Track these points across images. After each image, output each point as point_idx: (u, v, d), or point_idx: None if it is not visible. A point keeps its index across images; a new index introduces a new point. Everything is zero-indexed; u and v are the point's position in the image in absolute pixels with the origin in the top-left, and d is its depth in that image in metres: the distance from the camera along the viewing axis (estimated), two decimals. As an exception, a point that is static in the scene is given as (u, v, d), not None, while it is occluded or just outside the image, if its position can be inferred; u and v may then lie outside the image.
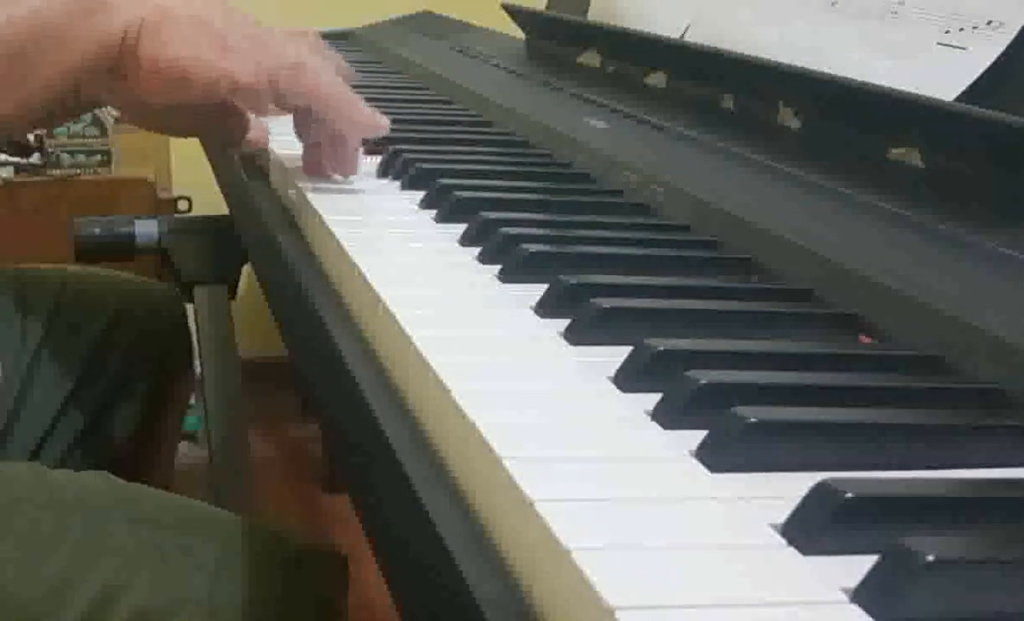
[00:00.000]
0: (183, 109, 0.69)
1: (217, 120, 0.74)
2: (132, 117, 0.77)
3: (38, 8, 0.63)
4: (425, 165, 0.74)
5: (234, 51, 0.65)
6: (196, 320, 1.15)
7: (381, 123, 0.71)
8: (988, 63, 0.62)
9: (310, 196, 0.67)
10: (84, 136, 1.92)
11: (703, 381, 0.40)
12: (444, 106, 1.04)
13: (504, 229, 0.59)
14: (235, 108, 0.73)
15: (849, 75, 0.70)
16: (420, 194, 0.70)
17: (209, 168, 1.06)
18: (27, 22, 0.63)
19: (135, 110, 0.75)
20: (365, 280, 0.52)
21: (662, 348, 0.43)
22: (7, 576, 0.65)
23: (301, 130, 0.72)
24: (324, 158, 0.72)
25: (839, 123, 0.73)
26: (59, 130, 1.88)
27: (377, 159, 0.78)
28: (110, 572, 0.67)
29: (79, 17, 0.64)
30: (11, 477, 0.71)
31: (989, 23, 0.64)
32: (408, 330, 0.45)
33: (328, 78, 0.69)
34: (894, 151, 0.67)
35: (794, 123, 0.78)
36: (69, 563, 0.66)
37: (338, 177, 0.73)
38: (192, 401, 1.26)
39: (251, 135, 0.77)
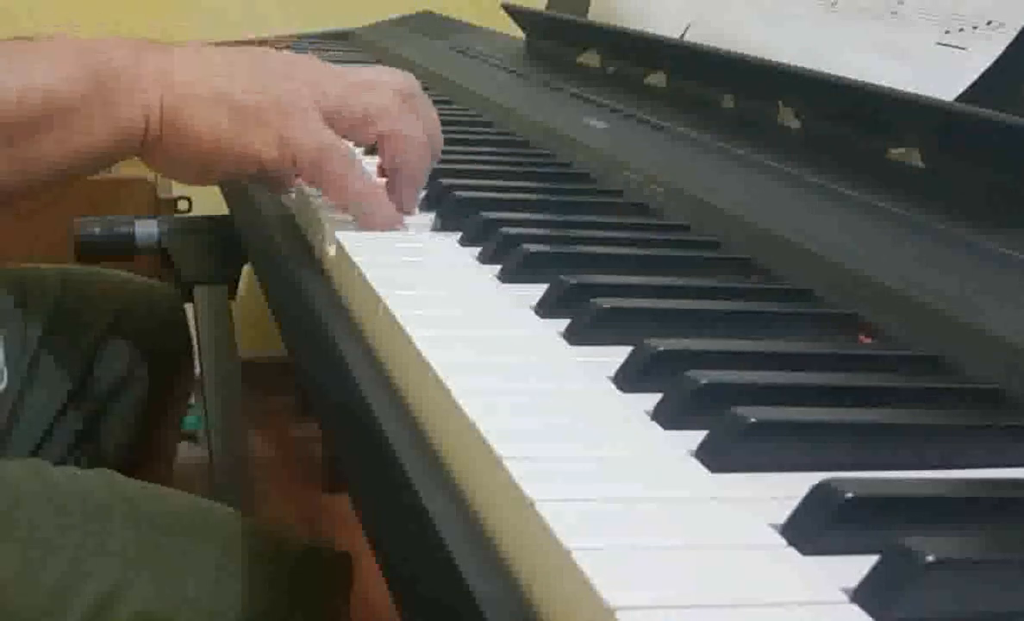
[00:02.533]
0: (218, 178, 0.68)
1: (254, 179, 0.71)
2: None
3: (53, 88, 0.60)
4: (425, 165, 0.73)
5: (256, 127, 0.62)
6: (196, 320, 1.15)
7: (396, 224, 0.64)
8: (988, 63, 0.62)
9: (310, 197, 0.67)
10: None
11: (703, 381, 0.40)
12: (444, 106, 1.04)
13: (504, 229, 0.59)
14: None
15: (849, 75, 0.70)
16: (420, 194, 0.69)
17: (209, 168, 1.05)
18: (40, 102, 0.59)
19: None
20: (365, 280, 0.52)
21: (662, 348, 0.43)
22: (7, 578, 0.65)
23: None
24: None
25: (839, 123, 0.73)
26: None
27: (377, 159, 0.78)
28: (111, 573, 0.67)
29: (96, 104, 0.61)
30: (11, 478, 0.71)
31: (989, 23, 0.64)
32: (408, 330, 0.45)
33: (351, 173, 0.63)
34: (894, 151, 0.67)
35: (794, 123, 0.78)
36: (70, 565, 0.66)
37: None
38: (192, 401, 1.26)
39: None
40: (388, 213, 0.64)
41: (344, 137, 0.64)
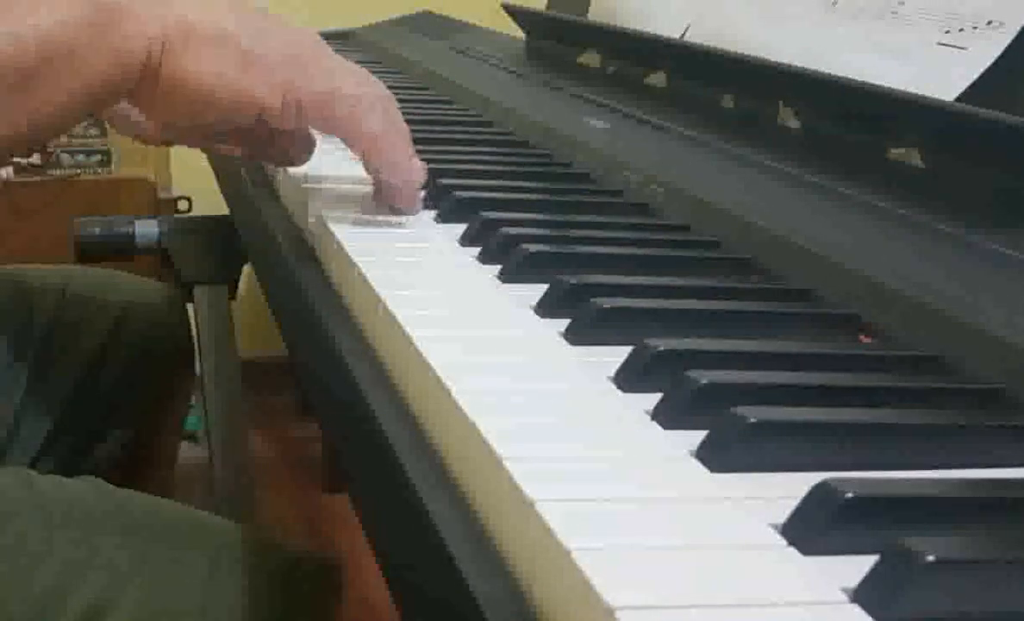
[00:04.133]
0: (210, 127, 0.65)
1: (255, 142, 0.69)
2: (155, 129, 0.72)
3: (48, 28, 0.58)
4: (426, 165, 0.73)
5: (260, 70, 0.60)
6: (196, 320, 1.15)
7: (416, 169, 0.64)
8: (988, 63, 0.62)
9: (310, 197, 0.67)
10: (84, 136, 1.92)
11: (703, 381, 0.40)
12: (444, 106, 1.04)
13: (504, 229, 0.59)
14: (277, 132, 0.67)
15: (849, 75, 0.70)
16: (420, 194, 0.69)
17: (209, 168, 1.06)
18: (35, 43, 0.57)
19: (158, 123, 0.71)
20: (365, 280, 0.52)
21: (662, 348, 0.43)
22: None
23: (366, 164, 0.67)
24: (375, 194, 0.68)
25: (839, 123, 0.73)
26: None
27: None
28: (100, 584, 0.66)
29: (95, 36, 0.59)
30: (0, 487, 0.70)
31: (989, 23, 0.64)
32: (408, 330, 0.45)
33: (365, 111, 0.62)
34: (894, 151, 0.67)
35: (794, 123, 0.78)
36: (59, 576, 0.66)
37: (345, 185, 0.71)
38: (192, 401, 1.26)
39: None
40: (406, 161, 0.63)
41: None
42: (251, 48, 0.60)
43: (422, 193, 0.67)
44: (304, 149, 0.69)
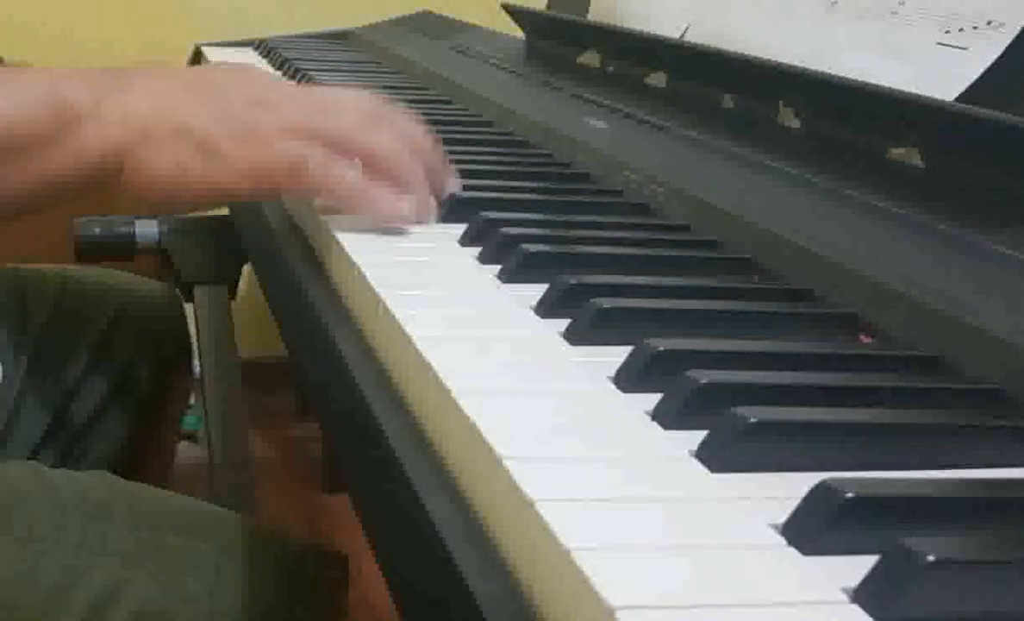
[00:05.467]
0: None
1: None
2: None
3: (12, 119, 0.59)
4: (425, 165, 0.73)
5: (223, 158, 0.60)
6: (196, 320, 1.15)
7: (403, 213, 0.62)
8: (988, 63, 0.62)
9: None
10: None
11: (703, 381, 0.40)
12: (444, 106, 1.04)
13: (504, 229, 0.59)
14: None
15: (849, 75, 0.70)
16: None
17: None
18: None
19: None
20: (365, 280, 0.52)
21: (662, 348, 0.43)
22: (6, 578, 0.65)
23: None
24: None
25: (839, 123, 0.73)
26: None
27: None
28: (109, 574, 0.67)
29: (49, 133, 0.59)
30: (9, 478, 0.71)
31: (989, 23, 0.64)
32: (408, 330, 0.45)
33: (336, 172, 0.61)
34: (894, 151, 0.66)
35: (794, 123, 0.78)
36: (68, 565, 0.66)
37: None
38: (192, 401, 1.26)
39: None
40: (389, 201, 0.62)
41: None
42: (212, 134, 0.60)
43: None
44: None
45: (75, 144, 0.60)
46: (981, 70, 0.63)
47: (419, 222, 0.63)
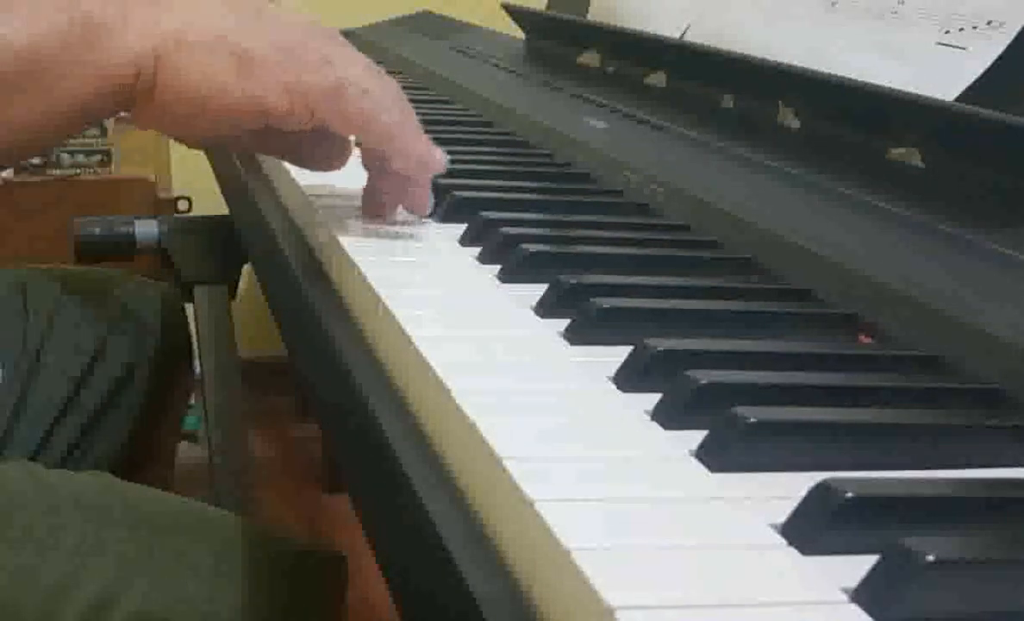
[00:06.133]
0: (219, 137, 0.62)
1: (260, 145, 0.66)
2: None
3: (30, 37, 0.55)
4: (425, 165, 0.73)
5: (260, 72, 0.57)
6: (196, 320, 1.15)
7: (437, 158, 0.61)
8: (988, 63, 0.62)
9: (310, 197, 0.67)
10: (84, 136, 1.92)
11: (703, 381, 0.40)
12: (444, 106, 1.04)
13: (504, 229, 0.59)
14: (307, 133, 0.62)
15: (849, 75, 0.70)
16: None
17: (209, 168, 1.06)
18: (15, 53, 0.55)
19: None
20: (365, 280, 0.52)
21: (662, 348, 0.43)
22: (4, 580, 0.65)
23: (365, 160, 0.65)
24: (386, 193, 0.64)
25: (839, 123, 0.73)
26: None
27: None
28: (107, 576, 0.67)
29: (79, 49, 0.56)
30: (6, 480, 0.71)
31: (989, 23, 0.64)
32: (408, 330, 0.45)
33: (378, 101, 0.59)
34: (894, 151, 0.66)
35: (794, 123, 0.78)
36: (65, 567, 0.66)
37: (346, 184, 0.71)
38: (192, 401, 1.26)
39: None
40: (427, 144, 0.60)
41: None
42: (249, 48, 0.57)
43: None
44: (340, 149, 0.66)
45: (100, 61, 0.56)
46: (981, 70, 0.63)
47: (420, 219, 0.63)
